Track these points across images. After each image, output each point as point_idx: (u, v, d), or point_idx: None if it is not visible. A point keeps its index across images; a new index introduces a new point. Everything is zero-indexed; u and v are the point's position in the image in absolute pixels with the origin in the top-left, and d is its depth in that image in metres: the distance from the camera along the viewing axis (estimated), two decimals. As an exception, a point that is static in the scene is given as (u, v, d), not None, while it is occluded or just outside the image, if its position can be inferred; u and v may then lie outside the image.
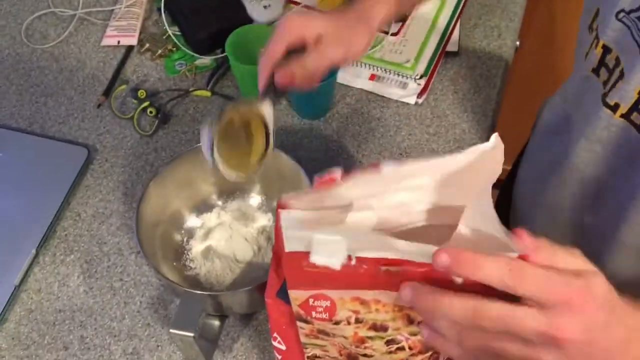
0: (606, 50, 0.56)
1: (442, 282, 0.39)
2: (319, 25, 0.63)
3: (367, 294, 0.43)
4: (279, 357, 0.53)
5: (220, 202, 0.75)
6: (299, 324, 0.48)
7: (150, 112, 0.83)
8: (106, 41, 0.92)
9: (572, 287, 0.36)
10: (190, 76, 0.89)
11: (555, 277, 0.36)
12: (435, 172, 0.46)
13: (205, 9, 0.91)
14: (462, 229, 0.43)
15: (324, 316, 0.46)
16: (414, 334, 0.46)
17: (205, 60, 0.90)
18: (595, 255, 0.40)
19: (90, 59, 0.91)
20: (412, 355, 0.48)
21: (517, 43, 0.97)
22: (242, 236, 0.73)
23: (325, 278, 0.42)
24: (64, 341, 0.68)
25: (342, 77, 0.86)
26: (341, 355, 0.50)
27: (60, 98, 0.87)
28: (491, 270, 0.36)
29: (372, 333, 0.46)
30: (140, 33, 0.93)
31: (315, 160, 0.80)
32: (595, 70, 0.58)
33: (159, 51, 0.90)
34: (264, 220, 0.74)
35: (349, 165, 0.80)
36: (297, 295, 0.46)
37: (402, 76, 0.86)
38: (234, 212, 0.75)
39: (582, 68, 0.61)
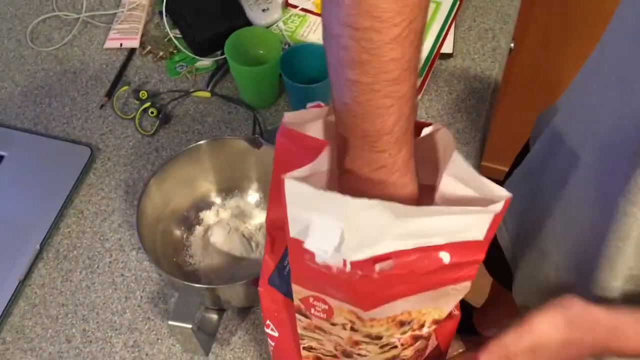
0: None
1: (430, 267, 0.41)
2: None
3: (363, 313, 0.45)
4: (272, 343, 0.55)
5: (219, 200, 0.77)
6: (298, 316, 0.49)
7: (152, 113, 0.85)
8: (109, 44, 0.94)
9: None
10: (190, 77, 0.91)
11: None
12: None
13: (206, 12, 0.94)
14: (445, 183, 0.43)
15: (322, 316, 0.47)
16: (405, 333, 0.48)
17: (206, 62, 0.92)
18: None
19: (94, 61, 0.93)
20: (404, 349, 0.50)
21: (512, 45, 0.99)
22: (240, 233, 0.74)
23: (325, 279, 0.43)
24: (67, 334, 0.70)
25: (339, 78, 0.88)
26: (336, 350, 0.51)
27: (64, 99, 0.89)
28: None
29: (367, 340, 0.48)
30: (142, 36, 0.95)
31: (312, 159, 0.82)
32: None
33: (161, 53, 0.93)
34: (261, 217, 0.76)
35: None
36: (299, 290, 0.47)
37: (398, 77, 0.87)
38: (232, 209, 0.76)
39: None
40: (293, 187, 0.40)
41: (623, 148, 0.53)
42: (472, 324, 1.49)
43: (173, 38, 0.93)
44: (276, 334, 0.54)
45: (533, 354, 0.51)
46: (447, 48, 0.92)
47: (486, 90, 0.90)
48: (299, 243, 0.42)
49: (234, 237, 0.74)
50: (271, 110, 0.88)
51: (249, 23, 0.93)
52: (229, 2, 0.95)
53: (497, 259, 0.83)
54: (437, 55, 0.90)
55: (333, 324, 0.47)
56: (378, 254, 0.40)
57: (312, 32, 0.94)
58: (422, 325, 0.48)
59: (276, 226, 0.51)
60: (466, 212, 0.40)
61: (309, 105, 0.51)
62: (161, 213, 0.73)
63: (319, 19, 0.95)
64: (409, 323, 0.46)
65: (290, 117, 0.48)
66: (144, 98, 0.87)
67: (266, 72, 0.83)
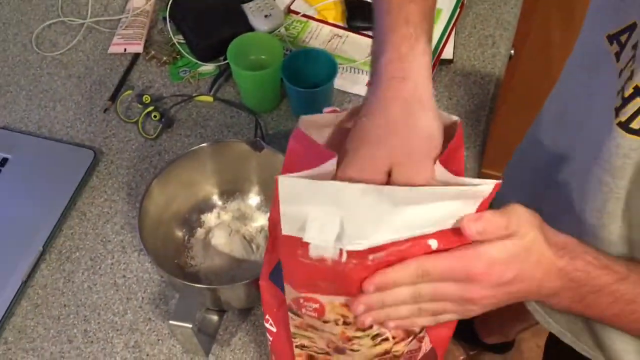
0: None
1: (419, 253, 0.42)
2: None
3: None
4: (270, 338, 0.55)
5: (220, 202, 0.78)
6: (290, 314, 0.50)
7: (155, 117, 0.86)
8: (113, 49, 0.95)
9: (472, 264, 0.44)
10: (193, 82, 0.92)
11: (455, 262, 0.44)
12: None
13: (209, 18, 0.95)
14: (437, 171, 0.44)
15: (314, 315, 0.48)
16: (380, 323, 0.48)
17: (208, 67, 0.93)
18: None
19: (98, 66, 0.94)
20: (396, 343, 0.50)
21: (512, 52, 1.00)
22: (241, 235, 0.75)
23: (317, 274, 0.44)
24: (68, 335, 0.71)
25: (341, 83, 0.89)
26: (329, 347, 0.52)
27: (68, 103, 0.90)
28: (403, 279, 0.43)
29: (359, 333, 0.49)
30: (146, 41, 0.96)
31: (313, 163, 0.83)
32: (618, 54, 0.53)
33: (164, 58, 0.94)
34: (262, 220, 0.77)
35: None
36: (290, 291, 0.48)
37: (398, 82, 0.88)
38: (233, 211, 0.77)
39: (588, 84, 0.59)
40: (287, 184, 0.41)
41: (595, 122, 0.54)
42: (474, 331, 1.49)
43: (176, 43, 0.95)
44: (274, 329, 0.55)
45: (460, 284, 0.46)
46: (447, 54, 0.93)
47: (486, 96, 0.90)
48: (293, 240, 0.43)
49: (235, 239, 0.75)
50: (273, 114, 0.89)
51: (251, 29, 0.94)
52: (231, 8, 0.96)
53: None
54: (437, 61, 0.91)
55: (325, 322, 0.47)
56: (374, 245, 0.41)
57: (313, 38, 0.95)
58: None
59: (277, 229, 0.52)
60: (459, 196, 0.41)
61: (325, 109, 0.51)
62: (163, 215, 0.74)
63: (320, 25, 0.96)
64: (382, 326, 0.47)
65: (306, 121, 0.49)
66: (147, 102, 0.88)
67: (268, 76, 0.84)
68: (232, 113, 0.89)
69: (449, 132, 0.47)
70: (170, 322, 0.61)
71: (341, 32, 0.95)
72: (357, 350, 0.50)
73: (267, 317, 0.56)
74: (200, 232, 0.76)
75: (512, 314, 1.30)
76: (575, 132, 0.61)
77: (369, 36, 0.94)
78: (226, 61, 0.89)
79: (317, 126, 0.50)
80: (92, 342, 0.70)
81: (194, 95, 0.90)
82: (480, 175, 0.88)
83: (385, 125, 0.45)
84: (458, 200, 0.41)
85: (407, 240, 0.41)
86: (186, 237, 0.76)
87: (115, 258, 0.76)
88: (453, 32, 0.95)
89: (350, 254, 0.41)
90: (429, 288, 0.45)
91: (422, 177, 0.43)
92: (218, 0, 0.97)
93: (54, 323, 0.72)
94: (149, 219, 0.70)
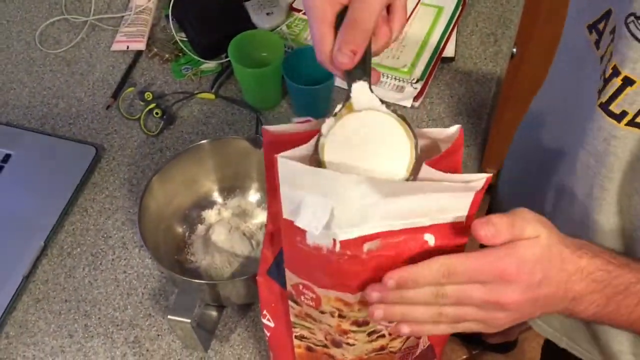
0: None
1: (416, 249, 0.42)
2: None
3: (350, 297, 0.46)
4: (268, 333, 0.56)
5: (221, 199, 0.78)
6: (290, 303, 0.50)
7: (157, 114, 0.87)
8: (116, 46, 0.96)
9: (503, 262, 0.42)
10: (195, 79, 0.92)
11: (485, 261, 0.42)
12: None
13: (211, 16, 0.95)
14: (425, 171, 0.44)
15: (311, 304, 0.48)
16: (392, 321, 0.48)
17: (210, 65, 0.93)
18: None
19: (101, 63, 0.95)
20: (392, 339, 0.51)
21: (514, 50, 0.99)
22: (242, 231, 0.75)
23: (315, 263, 0.44)
24: (69, 329, 0.71)
25: (341, 81, 0.89)
26: (327, 340, 0.52)
27: (70, 100, 0.91)
28: (427, 278, 0.42)
29: (354, 327, 0.49)
30: (149, 39, 0.96)
31: (314, 160, 0.83)
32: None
33: (166, 56, 0.94)
34: (262, 216, 0.77)
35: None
36: (290, 277, 0.48)
37: (399, 80, 0.89)
38: (234, 208, 0.77)
39: (575, 75, 0.60)
40: (285, 166, 0.41)
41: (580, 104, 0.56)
42: (477, 332, 1.49)
43: (179, 41, 0.95)
44: (272, 325, 0.55)
45: (485, 287, 0.44)
46: (449, 52, 0.93)
47: (487, 94, 0.90)
48: (291, 224, 0.43)
49: (235, 236, 0.75)
50: (274, 112, 0.89)
51: (253, 27, 0.94)
52: (234, 6, 0.96)
53: None
54: (439, 58, 0.91)
55: (322, 312, 0.48)
56: (366, 233, 0.41)
57: (315, 35, 0.95)
58: None
59: (275, 221, 0.52)
60: (449, 189, 0.41)
61: (295, 119, 0.51)
62: (164, 211, 0.74)
63: (322, 23, 0.96)
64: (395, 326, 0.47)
65: (270, 129, 0.48)
66: (149, 99, 0.88)
67: (269, 74, 0.84)
68: (233, 110, 0.89)
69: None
70: (169, 317, 0.61)
71: (343, 29, 0.95)
72: (353, 345, 0.50)
73: (264, 312, 0.56)
74: (200, 228, 0.77)
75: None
76: (563, 123, 0.62)
77: (370, 34, 0.94)
78: (228, 59, 0.89)
79: (282, 134, 0.48)
80: (92, 336, 0.71)
81: (195, 92, 0.90)
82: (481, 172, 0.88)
83: None
84: (451, 193, 0.41)
85: (401, 232, 0.41)
86: (186, 234, 0.76)
87: (116, 254, 0.76)
88: (455, 30, 0.95)
89: (344, 244, 0.41)
90: (454, 289, 0.43)
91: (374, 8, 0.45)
92: (221, -3, 0.97)
93: (54, 318, 0.72)
94: (149, 215, 0.71)
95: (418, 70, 0.89)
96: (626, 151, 0.51)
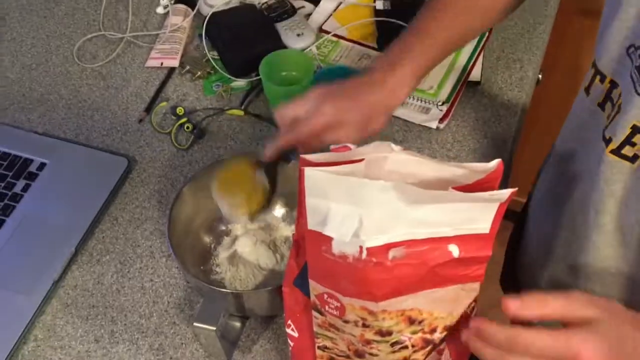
0: (613, 85, 0.59)
1: (440, 259, 0.43)
2: (330, 114, 0.67)
3: (374, 306, 0.47)
4: (292, 343, 0.56)
5: (247, 211, 0.80)
6: (314, 313, 0.51)
7: (187, 128, 0.89)
8: (150, 62, 0.99)
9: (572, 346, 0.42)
10: (225, 96, 0.95)
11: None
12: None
13: (243, 36, 0.98)
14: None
15: (335, 313, 0.49)
16: (415, 333, 0.49)
17: (240, 82, 0.96)
18: None
19: (135, 78, 0.98)
20: (415, 351, 0.51)
21: (540, 76, 1.01)
22: (266, 244, 0.77)
23: (340, 272, 0.45)
24: (95, 335, 0.73)
25: (368, 101, 0.91)
26: (349, 350, 0.53)
27: (105, 113, 0.94)
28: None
29: (378, 337, 0.49)
30: (182, 56, 0.99)
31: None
32: (601, 105, 0.61)
33: (199, 73, 0.97)
34: (287, 230, 0.78)
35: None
36: (315, 286, 0.49)
37: (425, 102, 0.90)
38: (259, 221, 0.79)
39: (586, 101, 0.64)
40: (312, 177, 0.42)
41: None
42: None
43: (211, 59, 0.98)
44: (296, 335, 0.56)
45: None
46: (475, 76, 0.94)
47: (512, 119, 0.91)
48: (317, 235, 0.44)
49: (260, 249, 0.76)
50: (301, 129, 0.91)
51: (283, 47, 0.97)
52: (265, 26, 0.99)
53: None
54: (465, 82, 0.93)
55: (345, 322, 0.48)
56: (392, 241, 0.42)
57: (344, 57, 0.97)
58: (433, 330, 0.49)
59: (302, 236, 0.53)
60: (474, 199, 0.42)
61: (332, 147, 0.52)
62: (191, 222, 0.76)
63: (350, 44, 0.99)
64: (420, 323, 0.48)
65: (308, 157, 0.50)
66: (180, 114, 0.91)
67: (298, 92, 0.85)
68: (261, 127, 0.91)
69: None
70: (195, 324, 0.62)
71: (371, 52, 0.97)
72: (376, 355, 0.51)
73: (289, 322, 0.57)
74: (226, 240, 0.78)
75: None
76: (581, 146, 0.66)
77: (398, 56, 0.96)
78: (258, 77, 0.92)
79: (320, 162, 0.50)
80: (117, 342, 0.72)
81: (225, 108, 0.92)
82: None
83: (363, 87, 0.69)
84: (475, 203, 0.42)
85: (425, 241, 0.43)
86: (212, 245, 0.78)
87: (143, 262, 0.78)
88: (481, 55, 0.96)
89: (370, 251, 0.42)
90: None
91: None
92: (252, 18, 1.01)
93: (82, 322, 0.74)
94: (178, 225, 0.72)
95: (444, 93, 0.91)
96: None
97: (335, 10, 1.03)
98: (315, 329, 0.52)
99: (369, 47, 0.98)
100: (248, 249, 0.76)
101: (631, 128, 0.55)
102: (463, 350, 0.56)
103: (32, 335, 0.73)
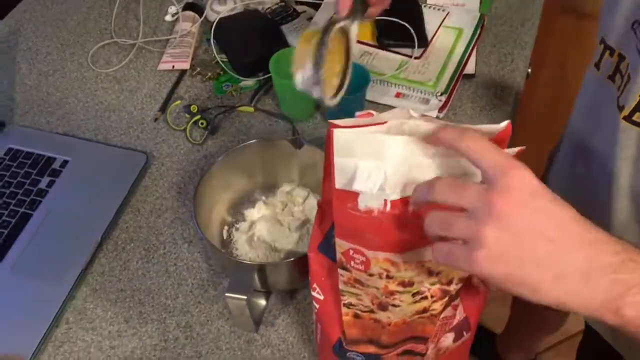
0: (621, 58, 0.64)
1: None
2: None
3: (398, 257, 0.51)
4: (317, 306, 0.61)
5: (263, 197, 0.84)
6: (340, 271, 0.56)
7: (201, 124, 0.94)
8: (162, 66, 1.04)
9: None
10: (235, 95, 1.00)
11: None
12: None
13: (250, 39, 1.04)
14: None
15: (360, 267, 0.54)
16: (434, 284, 0.54)
17: (249, 82, 1.01)
18: None
19: (148, 81, 1.03)
20: (434, 301, 0.56)
21: (529, 70, 1.07)
22: (285, 226, 0.81)
23: (365, 226, 0.50)
24: (125, 316, 0.77)
25: (371, 94, 0.97)
26: (373, 304, 0.57)
27: (121, 113, 0.99)
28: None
29: (400, 288, 0.54)
30: (192, 59, 1.05)
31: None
32: (611, 77, 0.66)
33: (209, 74, 1.02)
34: (301, 214, 0.83)
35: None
36: (341, 244, 0.54)
37: (425, 93, 0.96)
38: (275, 205, 0.84)
39: (596, 76, 0.69)
40: (340, 136, 0.47)
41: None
42: (493, 348, 1.52)
43: (220, 61, 1.03)
44: (321, 297, 0.60)
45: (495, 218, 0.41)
46: (470, 69, 1.00)
47: (507, 107, 0.97)
48: (344, 193, 0.49)
49: (276, 230, 0.81)
50: (309, 122, 0.96)
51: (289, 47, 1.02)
52: (270, 29, 1.05)
53: None
54: (461, 74, 0.99)
55: (370, 275, 0.53)
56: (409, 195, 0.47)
57: (346, 55, 1.03)
58: (450, 281, 0.54)
59: (327, 202, 0.58)
60: (480, 131, 0.47)
61: (357, 114, 0.57)
62: (211, 209, 0.80)
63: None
64: (438, 274, 0.52)
65: (337, 122, 0.54)
66: (194, 112, 0.96)
67: (306, 86, 0.91)
68: (271, 122, 0.97)
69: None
70: (227, 294, 0.66)
71: (371, 49, 1.03)
72: (399, 306, 0.55)
73: (314, 285, 0.61)
74: (243, 225, 0.83)
75: (534, 325, 1.34)
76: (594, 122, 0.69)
77: (397, 53, 1.02)
78: (265, 76, 0.97)
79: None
80: (146, 322, 0.76)
81: (236, 105, 0.98)
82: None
83: None
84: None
85: None
86: (231, 231, 0.82)
87: (166, 249, 0.83)
88: (474, 50, 1.03)
89: (393, 204, 0.47)
90: (444, 218, 0.44)
91: None
92: (258, 22, 1.06)
93: (111, 305, 0.78)
94: (201, 212, 0.76)
95: (442, 84, 0.97)
96: None
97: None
98: (340, 287, 0.56)
99: (369, 44, 1.04)
100: (265, 232, 0.81)
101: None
102: (476, 304, 0.61)
103: (64, 319, 0.77)
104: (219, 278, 0.79)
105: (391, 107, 0.96)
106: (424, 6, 1.09)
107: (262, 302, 0.75)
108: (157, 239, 0.84)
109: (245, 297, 0.66)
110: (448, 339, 0.62)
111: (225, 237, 0.82)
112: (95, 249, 0.82)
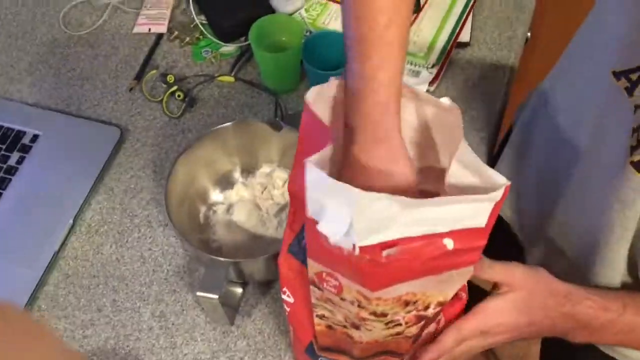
0: None
1: (435, 253, 0.44)
2: None
3: (370, 294, 0.47)
4: (288, 309, 0.58)
5: (241, 179, 0.81)
6: (311, 287, 0.53)
7: (179, 96, 0.89)
8: (138, 29, 0.98)
9: (494, 316, 0.57)
10: (215, 62, 0.94)
11: (480, 319, 0.57)
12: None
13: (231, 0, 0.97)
14: (453, 170, 0.47)
15: (333, 290, 0.51)
16: (409, 312, 0.51)
17: (230, 48, 0.95)
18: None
19: (123, 46, 0.97)
20: (409, 327, 0.53)
21: (528, 34, 1.01)
22: (261, 211, 0.78)
23: (336, 259, 0.46)
24: (98, 304, 0.75)
25: (359, 65, 0.91)
26: (346, 321, 0.55)
27: (95, 82, 0.93)
28: (447, 350, 0.58)
29: (372, 317, 0.51)
30: (170, 21, 0.98)
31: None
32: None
33: (187, 39, 0.96)
34: (281, 198, 0.80)
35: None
36: (313, 265, 0.50)
37: (415, 65, 0.90)
38: (253, 188, 0.80)
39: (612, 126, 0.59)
40: (313, 173, 0.43)
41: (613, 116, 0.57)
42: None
43: (199, 24, 0.97)
44: (291, 300, 0.58)
45: (484, 336, 0.58)
46: (464, 37, 0.94)
47: (502, 79, 0.92)
48: (315, 223, 0.45)
49: (254, 215, 0.78)
50: (292, 95, 0.91)
51: (272, 11, 0.96)
52: (253, -11, 0.98)
53: None
54: (454, 43, 0.93)
55: (342, 299, 0.50)
56: (385, 240, 0.42)
57: (333, 19, 0.97)
58: (427, 307, 0.51)
59: (298, 198, 0.54)
60: (468, 201, 0.43)
61: (332, 79, 0.54)
62: (187, 191, 0.77)
63: (339, 6, 0.98)
64: (414, 303, 0.49)
65: (314, 92, 0.52)
66: (171, 82, 0.91)
67: (288, 58, 0.86)
68: (252, 93, 0.92)
69: (448, 116, 0.50)
70: (198, 293, 0.64)
71: (360, 14, 0.97)
72: (371, 330, 0.53)
73: (284, 289, 0.59)
74: (221, 208, 0.80)
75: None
76: (585, 152, 0.64)
77: (387, 18, 0.95)
78: (248, 42, 0.91)
79: (324, 97, 0.53)
80: (120, 310, 0.74)
81: (216, 75, 0.92)
82: (492, 156, 0.90)
83: (367, 177, 0.51)
84: (470, 204, 0.43)
85: (420, 238, 0.43)
86: (208, 213, 0.79)
87: (141, 232, 0.80)
88: (470, 15, 0.96)
89: (363, 249, 0.43)
90: (464, 347, 0.58)
91: None
92: (240, -19, 0.99)
93: (84, 292, 0.76)
94: (174, 195, 0.73)
95: (434, 55, 0.91)
96: None
97: (323, -29, 1.01)
98: (313, 300, 0.54)
99: (358, 9, 0.97)
100: (243, 217, 0.78)
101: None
102: (455, 311, 0.59)
103: (36, 306, 0.75)
104: (195, 264, 0.77)
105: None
106: (419, -36, 1.01)
107: (239, 290, 0.73)
108: (132, 221, 0.81)
109: (217, 296, 0.64)
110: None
111: (202, 221, 0.79)
112: (67, 231, 0.79)
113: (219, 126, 0.76)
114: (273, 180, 0.80)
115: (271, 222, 0.78)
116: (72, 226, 0.80)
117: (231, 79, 0.92)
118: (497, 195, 0.43)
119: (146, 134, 0.88)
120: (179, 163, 0.74)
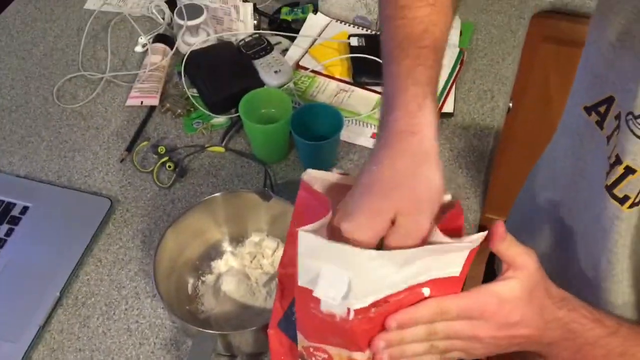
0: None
1: (413, 301, 0.46)
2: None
3: (361, 355, 0.48)
4: None
5: (230, 249, 0.81)
6: None
7: (169, 167, 0.91)
8: (130, 102, 1.00)
9: (486, 301, 0.48)
10: (206, 133, 0.96)
11: (470, 300, 0.48)
12: None
13: (221, 73, 1.00)
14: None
15: None
16: None
17: (220, 119, 0.98)
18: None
19: (116, 118, 0.99)
20: None
21: (510, 104, 1.04)
22: (250, 281, 0.78)
23: (327, 327, 0.47)
24: (83, 379, 0.73)
25: (347, 135, 0.93)
26: None
27: (86, 153, 0.95)
28: (423, 317, 0.47)
29: None
30: (162, 94, 1.01)
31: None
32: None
33: (179, 111, 0.98)
34: (270, 267, 0.80)
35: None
36: (302, 339, 0.51)
37: (401, 135, 0.93)
38: (242, 258, 0.80)
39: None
40: (307, 239, 0.44)
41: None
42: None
43: (190, 97, 0.99)
44: None
45: (470, 323, 0.50)
46: (448, 108, 0.97)
47: (485, 148, 0.94)
48: (307, 292, 0.46)
49: (243, 286, 0.77)
50: (281, 164, 0.93)
51: (262, 84, 0.99)
52: (243, 64, 1.01)
53: None
54: (438, 114, 0.96)
55: None
56: (378, 299, 0.44)
57: (320, 92, 1.00)
58: None
59: (287, 275, 0.55)
60: (451, 249, 0.45)
61: (334, 170, 0.56)
62: (176, 262, 0.77)
63: (327, 80, 1.01)
64: None
65: (311, 175, 0.53)
66: (162, 153, 0.92)
67: (277, 129, 0.88)
68: (242, 163, 0.93)
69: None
70: (184, 367, 0.63)
71: (347, 86, 1.00)
72: None
73: None
74: (210, 278, 0.79)
75: None
76: (567, 191, 0.65)
77: (373, 91, 0.98)
78: (237, 114, 0.94)
79: (319, 180, 0.54)
80: (105, 386, 0.73)
81: (206, 145, 0.94)
82: (482, 221, 0.91)
83: (392, 177, 0.48)
84: (451, 253, 0.45)
85: (404, 291, 0.45)
86: (197, 284, 0.79)
87: (129, 304, 0.79)
88: (453, 87, 1.00)
89: (358, 311, 0.44)
90: (443, 326, 0.48)
91: (425, 225, 0.46)
92: (230, 56, 1.03)
93: (69, 367, 0.74)
94: (162, 266, 0.73)
95: (419, 126, 0.93)
96: (630, 229, 0.55)
97: (311, 46, 1.05)
98: None
99: (345, 82, 1.01)
100: (232, 287, 0.77)
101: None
102: None
103: (19, 382, 0.73)
104: (182, 337, 0.76)
105: (367, 148, 0.93)
106: (403, 39, 1.05)
107: (227, 364, 0.72)
108: (119, 293, 0.80)
109: (204, 371, 0.63)
110: None
111: (190, 292, 0.78)
112: (54, 304, 0.78)
113: (209, 196, 0.77)
114: (262, 249, 0.81)
115: (260, 292, 0.77)
116: (59, 299, 0.79)
117: (221, 149, 0.94)
118: (475, 242, 0.45)
119: (136, 204, 0.88)
120: (168, 233, 0.75)
